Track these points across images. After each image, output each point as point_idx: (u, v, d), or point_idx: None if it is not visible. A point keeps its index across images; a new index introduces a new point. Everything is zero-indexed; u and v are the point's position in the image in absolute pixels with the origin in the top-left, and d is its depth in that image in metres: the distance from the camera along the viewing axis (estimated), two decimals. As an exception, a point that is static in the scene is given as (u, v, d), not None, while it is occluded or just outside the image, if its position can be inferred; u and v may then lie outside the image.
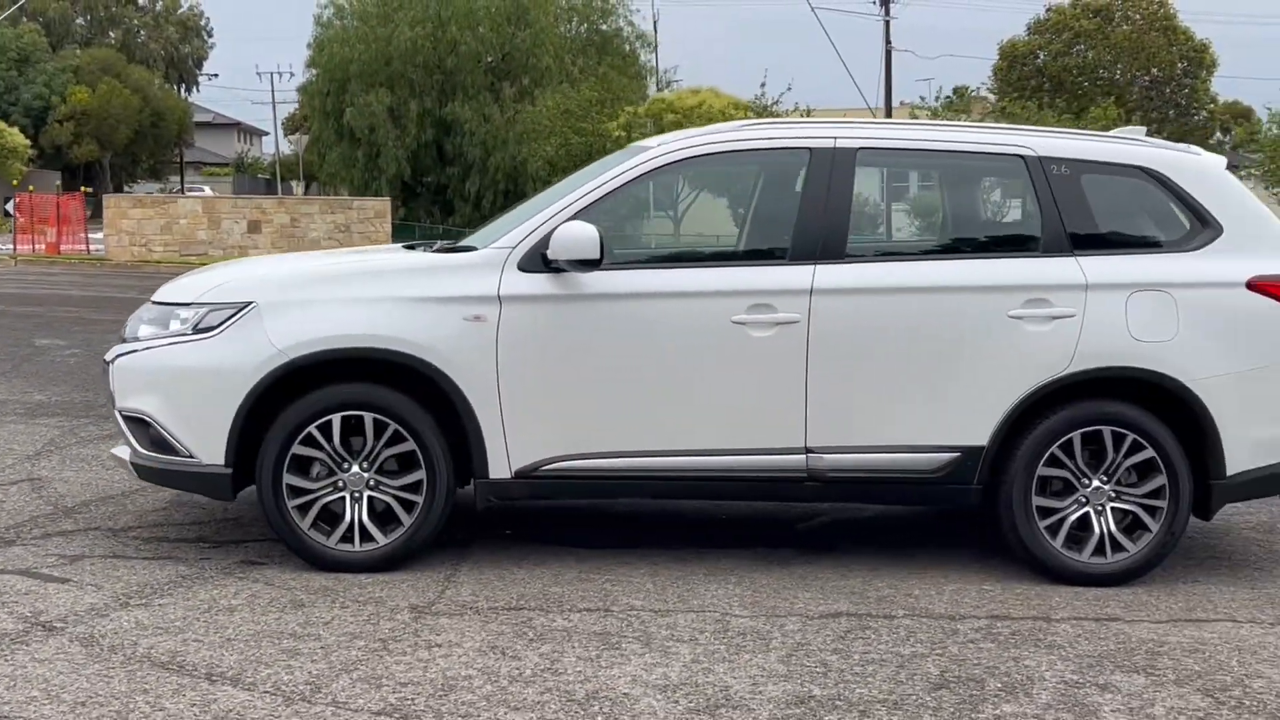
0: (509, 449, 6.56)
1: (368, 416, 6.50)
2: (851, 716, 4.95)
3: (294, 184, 75.56)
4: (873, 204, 7.08)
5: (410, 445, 6.53)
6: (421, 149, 53.54)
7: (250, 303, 6.51)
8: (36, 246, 36.18)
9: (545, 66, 53.42)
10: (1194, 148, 7.30)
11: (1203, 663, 5.64)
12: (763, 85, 39.80)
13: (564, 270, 6.54)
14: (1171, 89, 51.59)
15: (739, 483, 6.74)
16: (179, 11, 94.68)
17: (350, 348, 6.46)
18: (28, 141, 59.64)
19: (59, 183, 41.02)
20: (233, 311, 6.51)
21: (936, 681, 5.34)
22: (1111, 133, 7.62)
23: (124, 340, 6.84)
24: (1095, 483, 6.71)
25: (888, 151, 7.09)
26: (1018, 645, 5.80)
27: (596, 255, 6.42)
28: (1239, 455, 6.71)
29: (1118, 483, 6.73)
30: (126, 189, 75.10)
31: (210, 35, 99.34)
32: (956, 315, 6.67)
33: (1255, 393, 6.73)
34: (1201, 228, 6.83)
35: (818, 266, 6.65)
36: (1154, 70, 51.53)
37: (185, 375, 6.50)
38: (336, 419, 6.48)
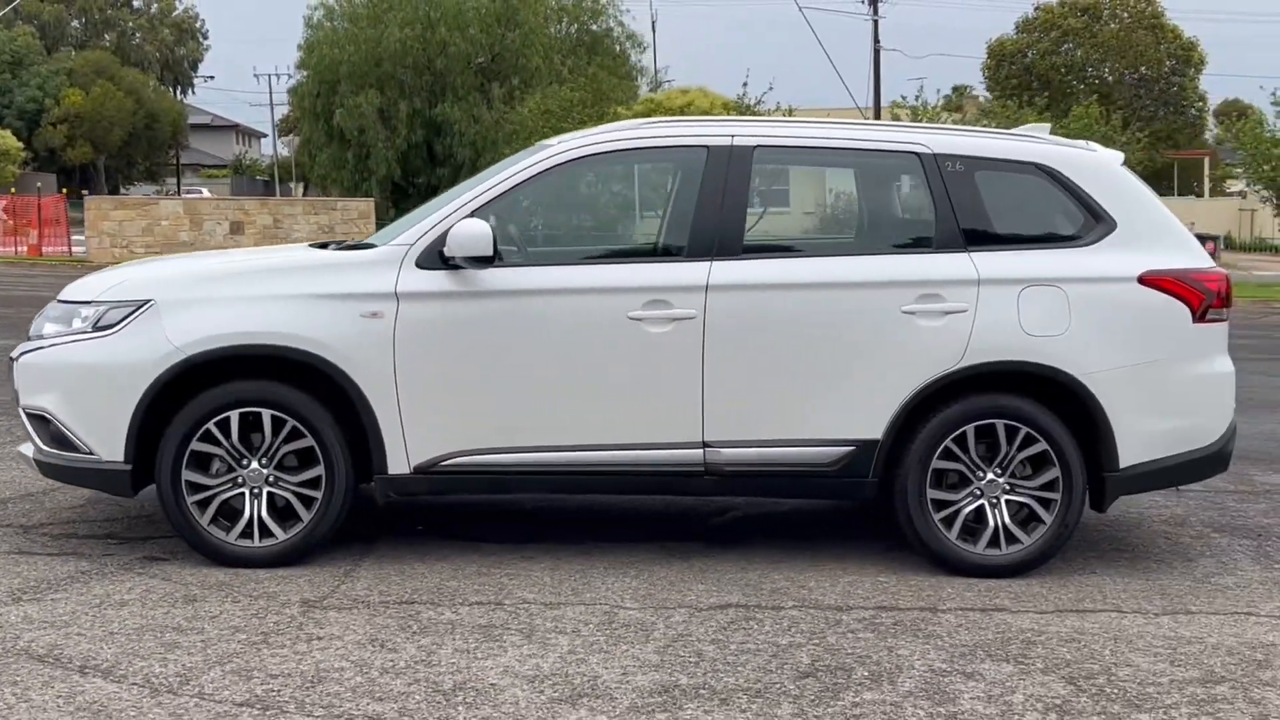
0: (408, 445, 6.64)
1: (266, 413, 6.58)
2: (712, 704, 5.03)
3: (292, 185, 75.63)
4: (768, 201, 7.16)
5: (309, 441, 6.61)
6: (411, 150, 53.65)
7: (149, 300, 6.60)
8: (19, 249, 36.31)
9: (535, 67, 53.56)
10: (1091, 144, 7.38)
11: (1076, 652, 5.71)
12: (745, 85, 39.76)
13: (461, 267, 6.62)
14: (1160, 87, 51.66)
15: (638, 477, 6.82)
16: (173, 14, 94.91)
17: (247, 345, 6.54)
18: (20, 144, 59.68)
19: (39, 184, 41.08)
20: (132, 309, 6.59)
21: (805, 670, 5.41)
22: (1016, 130, 7.70)
23: (30, 338, 6.92)
24: (990, 476, 6.79)
25: (784, 149, 7.17)
26: (896, 635, 5.88)
27: (490, 252, 6.51)
28: (1132, 448, 6.79)
29: (1012, 475, 6.80)
30: (123, 191, 75.22)
31: (205, 38, 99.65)
32: (851, 311, 6.75)
33: (1147, 386, 6.80)
34: (1095, 223, 6.90)
35: (714, 263, 6.73)
36: (1142, 68, 51.61)
37: (84, 372, 6.59)
38: (235, 416, 6.57)
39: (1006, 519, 6.79)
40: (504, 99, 52.48)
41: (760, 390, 6.73)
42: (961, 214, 6.84)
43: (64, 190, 41.21)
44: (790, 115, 38.15)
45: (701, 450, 6.73)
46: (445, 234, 6.61)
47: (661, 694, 5.11)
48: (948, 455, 6.77)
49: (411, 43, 52.96)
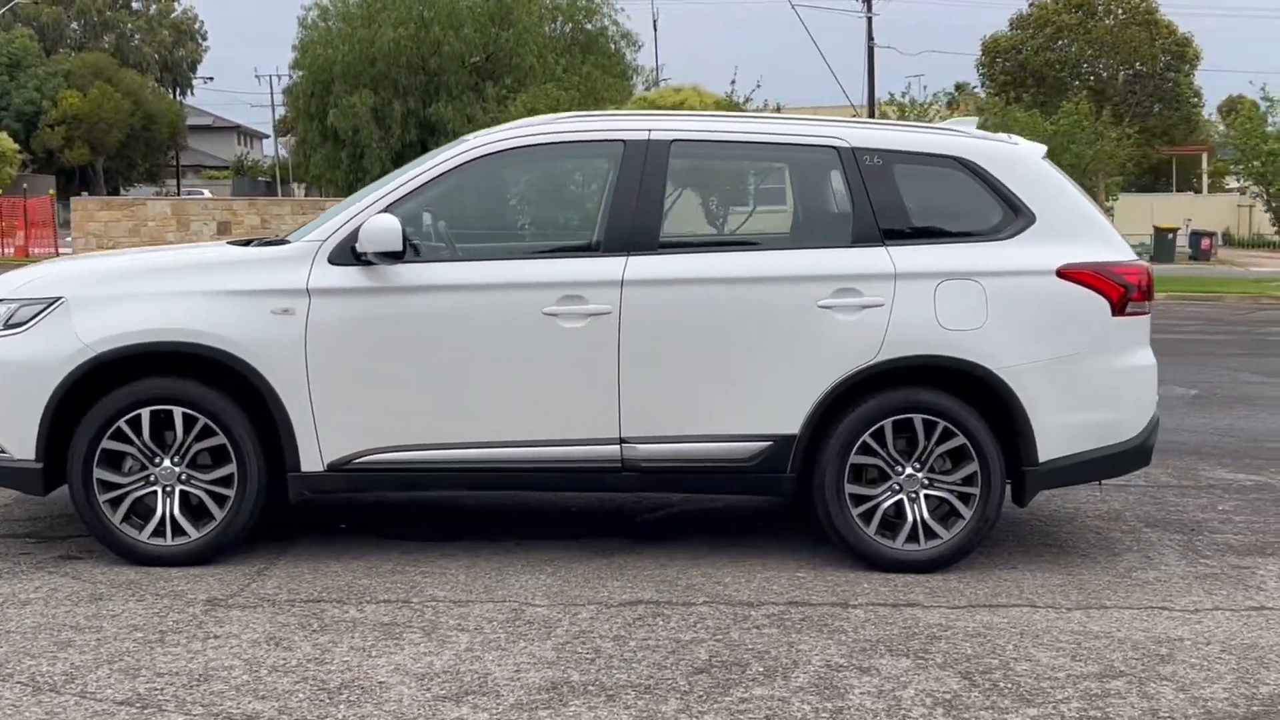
0: (320, 442, 6.61)
1: (177, 411, 6.56)
2: (599, 700, 5.00)
3: (294, 186, 75.66)
4: (689, 194, 7.13)
5: (221, 439, 6.58)
6: (406, 149, 53.53)
7: (59, 298, 6.58)
8: (6, 250, 36.36)
9: (529, 66, 53.55)
10: (1014, 137, 7.35)
11: (979, 646, 5.67)
12: (733, 82, 39.63)
13: (373, 263, 6.60)
14: (1155, 83, 51.55)
15: (555, 473, 6.79)
16: (172, 15, 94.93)
17: (155, 342, 6.52)
18: (17, 146, 59.72)
19: (26, 185, 41.18)
20: (42, 307, 6.57)
21: (700, 666, 5.38)
22: (943, 123, 7.66)
23: (-54, 337, 6.89)
24: (909, 470, 6.75)
25: (702, 144, 7.12)
26: (801, 630, 5.85)
27: (399, 247, 6.49)
28: (1051, 442, 6.75)
29: (931, 470, 6.77)
30: (124, 192, 75.26)
31: (205, 39, 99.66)
32: (767, 305, 6.72)
33: (1066, 380, 6.76)
34: (1014, 217, 6.86)
35: (629, 258, 6.70)
36: (1137, 64, 51.51)
37: None
38: (145, 413, 6.55)
39: (925, 514, 6.75)
40: (498, 98, 52.46)
41: (676, 385, 6.70)
42: (879, 208, 6.81)
43: (51, 192, 41.24)
44: (777, 113, 38.10)
45: (618, 446, 6.70)
46: (357, 230, 6.59)
47: (550, 690, 5.09)
48: (866, 450, 6.73)
49: (405, 42, 52.97)
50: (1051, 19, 51.97)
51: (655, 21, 68.58)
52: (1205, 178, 60.63)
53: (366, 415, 6.63)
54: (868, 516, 6.76)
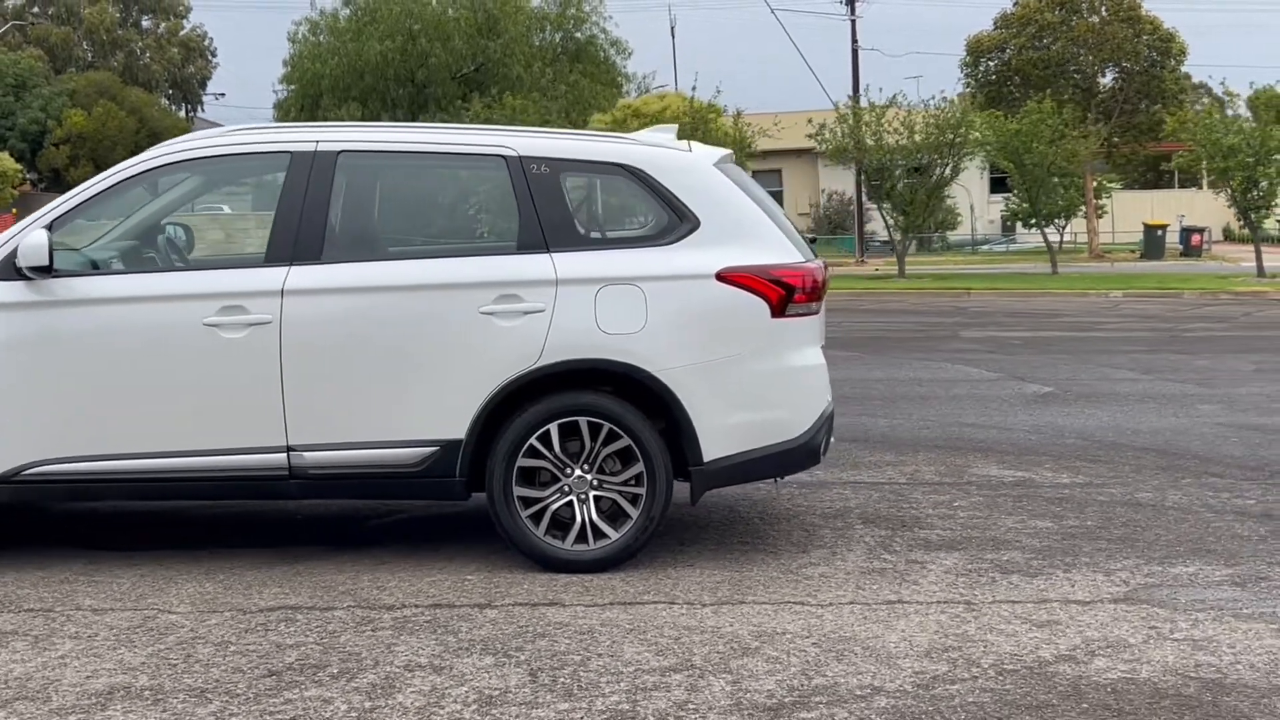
0: (-13, 455, 6.73)
1: None
2: (143, 704, 5.08)
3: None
4: (356, 205, 7.20)
5: (-114, 454, 6.71)
6: (396, 161, 53.76)
7: None
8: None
9: (516, 76, 53.78)
10: (692, 144, 7.39)
11: (576, 644, 5.73)
12: (694, 88, 39.59)
13: (32, 278, 6.72)
14: (1141, 80, 51.27)
15: (223, 483, 6.89)
16: (181, 34, 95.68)
17: None
18: (19, 166, 60.29)
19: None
20: None
21: (276, 669, 5.46)
22: (642, 131, 7.72)
23: None
24: (578, 472, 6.82)
25: (370, 154, 7.23)
26: (415, 632, 5.91)
27: (46, 262, 6.61)
28: (715, 442, 6.81)
29: (600, 471, 6.84)
30: (137, 210, 75.66)
31: (214, 56, 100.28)
32: (429, 313, 6.81)
33: (727, 381, 6.82)
34: (679, 222, 6.92)
35: (291, 268, 6.80)
36: (1124, 62, 51.24)
37: None
38: None
39: (594, 515, 6.82)
40: (485, 109, 52.70)
41: (341, 393, 6.80)
42: (545, 216, 6.89)
43: (14, 210, 41.76)
44: (739, 118, 38.22)
45: (285, 454, 6.79)
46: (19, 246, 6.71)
47: (101, 696, 5.17)
48: (533, 453, 6.81)
49: (393, 55, 53.36)
50: (1034, 17, 51.71)
51: (673, 28, 68.89)
52: (1206, 174, 60.33)
53: (31, 428, 6.75)
54: (538, 518, 6.83)
